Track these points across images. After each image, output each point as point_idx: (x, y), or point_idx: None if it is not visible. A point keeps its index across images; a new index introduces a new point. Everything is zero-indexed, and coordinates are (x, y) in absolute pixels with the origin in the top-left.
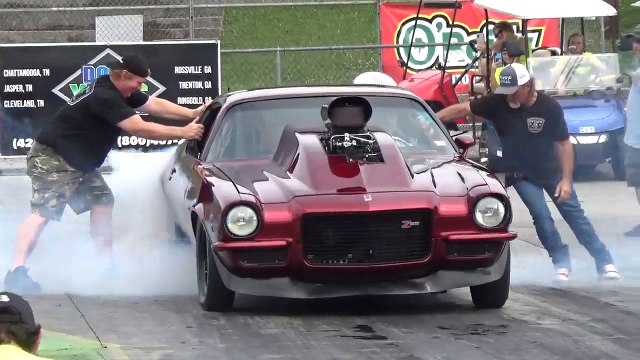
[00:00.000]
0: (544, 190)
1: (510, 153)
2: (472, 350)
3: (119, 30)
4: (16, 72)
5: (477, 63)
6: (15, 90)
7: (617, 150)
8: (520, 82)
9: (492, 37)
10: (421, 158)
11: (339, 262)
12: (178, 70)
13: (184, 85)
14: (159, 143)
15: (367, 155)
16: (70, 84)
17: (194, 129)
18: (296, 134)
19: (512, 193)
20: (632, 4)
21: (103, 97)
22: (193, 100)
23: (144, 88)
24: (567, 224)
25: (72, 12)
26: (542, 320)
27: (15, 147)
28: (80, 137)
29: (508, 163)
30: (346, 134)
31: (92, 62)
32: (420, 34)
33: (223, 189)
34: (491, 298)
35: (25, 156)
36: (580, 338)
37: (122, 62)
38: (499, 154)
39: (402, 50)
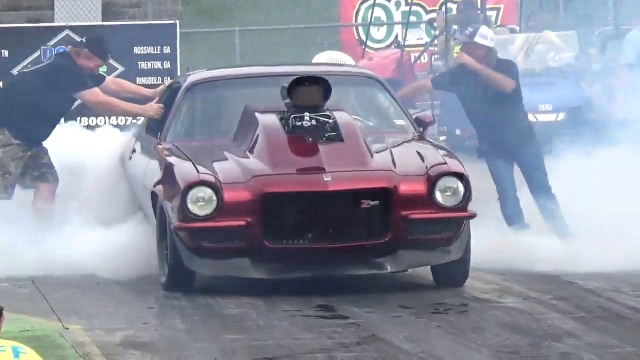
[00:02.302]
0: (514, 166)
1: (476, 124)
2: (434, 330)
3: (77, 11)
4: None
5: (436, 41)
6: None
7: (575, 128)
8: (477, 39)
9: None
10: (381, 137)
11: (298, 242)
12: (137, 50)
13: (143, 65)
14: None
15: (326, 135)
16: (29, 65)
17: (153, 108)
18: (256, 113)
19: (472, 172)
20: None
21: (67, 64)
22: (152, 80)
23: (102, 69)
24: (534, 200)
25: None
26: (504, 298)
27: None
28: (30, 107)
29: (478, 134)
30: (306, 114)
31: (51, 42)
32: (378, 12)
33: (183, 169)
34: (452, 277)
35: None
36: (542, 316)
37: (85, 41)
38: (458, 132)
39: (360, 29)
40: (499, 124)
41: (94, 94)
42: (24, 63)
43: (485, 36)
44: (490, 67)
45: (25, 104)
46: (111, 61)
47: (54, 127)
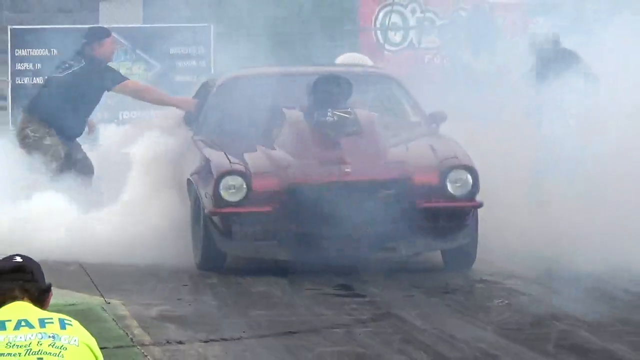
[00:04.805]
0: None
1: None
2: (444, 308)
3: (120, 14)
4: (27, 51)
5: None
6: (25, 68)
7: None
8: None
9: None
10: (397, 132)
11: (320, 227)
12: (174, 50)
13: (180, 64)
14: None
15: (347, 130)
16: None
17: (189, 101)
18: (283, 109)
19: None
20: None
21: (98, 67)
22: (188, 77)
23: (142, 67)
24: None
25: None
26: (508, 280)
27: None
28: (67, 108)
29: None
30: (329, 110)
31: None
32: (395, 18)
33: (216, 159)
34: (460, 260)
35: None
36: (543, 297)
37: (87, 39)
38: None
39: (379, 32)
40: None
41: (134, 82)
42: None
43: None
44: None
45: (63, 105)
46: (150, 59)
47: (85, 124)
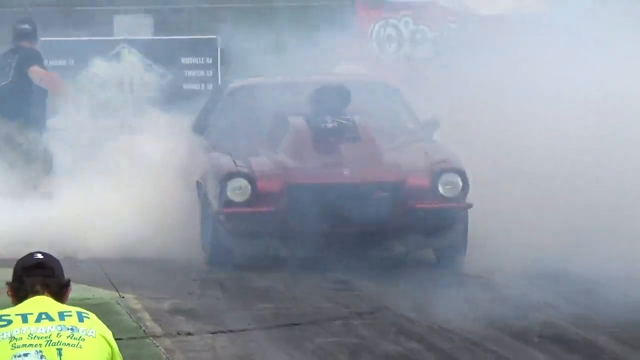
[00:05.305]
0: None
1: None
2: (435, 302)
3: (133, 26)
4: (45, 61)
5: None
6: None
7: None
8: None
9: None
10: (393, 137)
11: (320, 226)
12: (184, 60)
13: (188, 73)
14: None
15: (346, 135)
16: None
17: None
18: (286, 116)
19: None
20: None
21: (34, 51)
22: (196, 86)
23: (154, 76)
24: None
25: (93, 11)
26: (493, 275)
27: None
28: (29, 102)
29: None
30: (329, 117)
31: (112, 52)
32: (390, 30)
33: (223, 162)
34: (451, 257)
35: None
36: (526, 290)
37: (22, 36)
38: None
39: (375, 44)
40: None
41: (41, 68)
42: (88, 69)
43: None
44: None
45: (26, 102)
46: (161, 69)
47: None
